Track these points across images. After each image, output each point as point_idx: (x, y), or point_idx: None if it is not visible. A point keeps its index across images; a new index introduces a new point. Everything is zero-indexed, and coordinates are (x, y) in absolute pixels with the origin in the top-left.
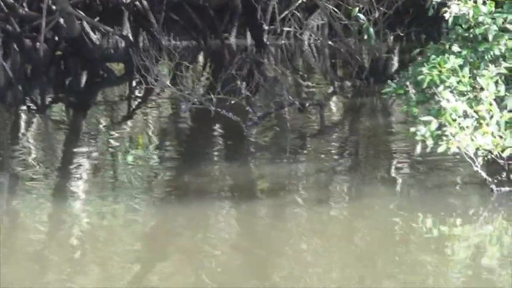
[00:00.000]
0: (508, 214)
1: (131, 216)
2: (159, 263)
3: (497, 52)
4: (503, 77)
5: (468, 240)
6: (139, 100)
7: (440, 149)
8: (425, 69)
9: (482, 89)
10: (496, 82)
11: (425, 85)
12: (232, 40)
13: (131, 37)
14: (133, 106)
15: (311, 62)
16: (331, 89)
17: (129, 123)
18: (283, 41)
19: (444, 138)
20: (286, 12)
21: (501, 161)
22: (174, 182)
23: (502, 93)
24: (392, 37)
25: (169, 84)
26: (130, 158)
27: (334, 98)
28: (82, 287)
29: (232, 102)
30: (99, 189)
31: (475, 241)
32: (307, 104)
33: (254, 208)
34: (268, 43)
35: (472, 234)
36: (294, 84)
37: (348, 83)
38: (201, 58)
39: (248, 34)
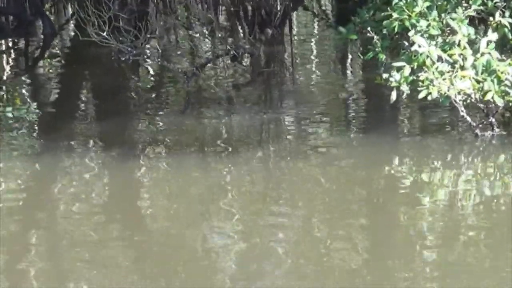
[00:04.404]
0: (495, 157)
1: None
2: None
3: None
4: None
5: (458, 184)
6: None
7: (421, 95)
8: (394, 14)
9: (450, 33)
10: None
11: (396, 30)
12: None
13: None
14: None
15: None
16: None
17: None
18: None
19: (420, 84)
20: None
21: (481, 105)
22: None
23: (472, 36)
24: None
25: (107, 37)
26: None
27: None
28: None
29: (178, 53)
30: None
31: (467, 185)
32: (240, 53)
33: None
34: None
35: (462, 179)
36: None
37: (269, 31)
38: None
39: None
